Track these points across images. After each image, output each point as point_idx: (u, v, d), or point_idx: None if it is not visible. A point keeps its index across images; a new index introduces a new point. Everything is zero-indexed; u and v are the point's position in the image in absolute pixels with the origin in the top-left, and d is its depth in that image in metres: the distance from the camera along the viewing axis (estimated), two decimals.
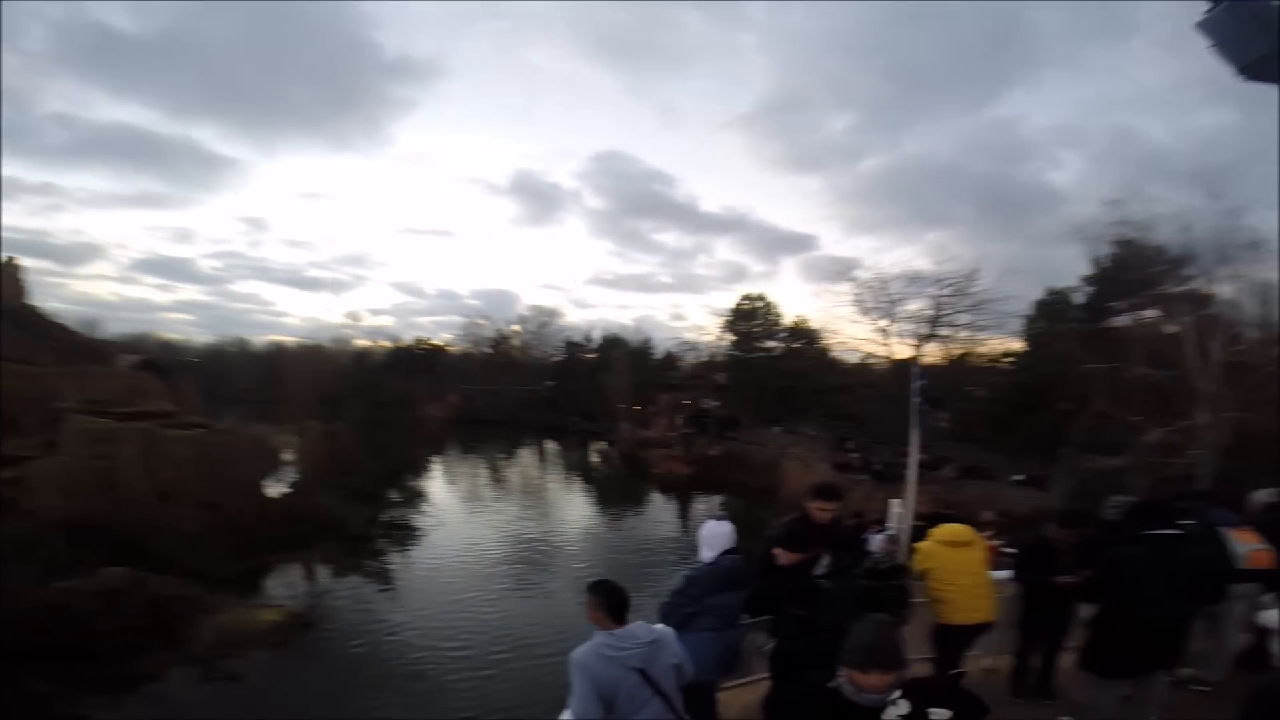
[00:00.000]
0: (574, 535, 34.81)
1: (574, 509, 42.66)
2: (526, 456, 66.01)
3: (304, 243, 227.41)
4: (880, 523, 10.98)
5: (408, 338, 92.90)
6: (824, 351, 55.28)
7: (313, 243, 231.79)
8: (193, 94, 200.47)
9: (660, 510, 42.79)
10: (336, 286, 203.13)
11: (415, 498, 41.47)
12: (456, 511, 40.56)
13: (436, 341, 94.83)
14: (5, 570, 15.52)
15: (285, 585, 23.81)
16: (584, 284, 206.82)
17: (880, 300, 41.50)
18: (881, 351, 42.78)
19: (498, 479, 53.71)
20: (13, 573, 15.52)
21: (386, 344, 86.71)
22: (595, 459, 65.77)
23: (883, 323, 41.76)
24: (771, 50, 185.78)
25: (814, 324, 57.52)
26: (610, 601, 3.07)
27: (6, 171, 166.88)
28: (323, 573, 25.81)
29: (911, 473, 10.10)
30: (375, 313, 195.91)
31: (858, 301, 42.78)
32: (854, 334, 45.19)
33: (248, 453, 38.56)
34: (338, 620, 20.03)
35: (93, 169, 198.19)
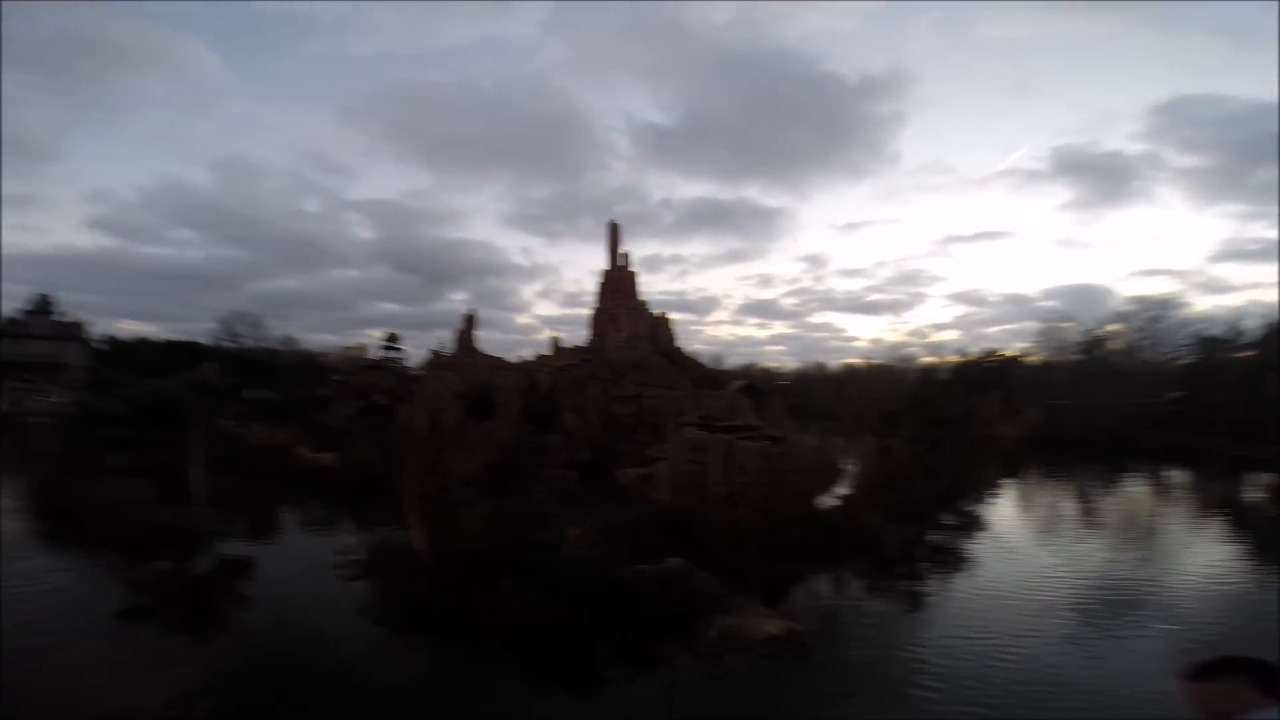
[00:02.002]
0: (1189, 590, 25.24)
1: (1199, 557, 30.90)
2: (1135, 486, 51.34)
3: (857, 270, 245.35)
4: None
5: (975, 350, 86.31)
6: None
7: (865, 269, 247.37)
8: (730, 162, 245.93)
9: None
10: (896, 307, 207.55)
11: (969, 523, 37.72)
12: (1018, 542, 35.24)
13: (1009, 352, 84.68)
14: (610, 549, 21.82)
15: (806, 595, 25.25)
16: (1209, 261, 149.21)
17: None
18: None
19: (1086, 510, 43.74)
20: (614, 552, 21.68)
21: (954, 358, 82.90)
22: (1255, 496, 45.79)
23: None
24: None
25: None
26: (1272, 679, 2.45)
27: (653, 249, 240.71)
28: (842, 589, 26.31)
29: None
30: (937, 328, 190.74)
31: None
32: None
33: (806, 465, 42.57)
34: (836, 640, 20.17)
35: (695, 237, 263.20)
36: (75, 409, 44.63)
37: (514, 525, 21.92)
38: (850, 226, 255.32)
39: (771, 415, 59.20)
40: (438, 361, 55.78)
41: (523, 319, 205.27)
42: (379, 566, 22.03)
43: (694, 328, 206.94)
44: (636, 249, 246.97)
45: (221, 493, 36.41)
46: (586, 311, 66.68)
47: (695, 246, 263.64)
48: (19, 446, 50.16)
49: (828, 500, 40.02)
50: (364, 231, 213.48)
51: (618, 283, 62.58)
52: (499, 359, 60.59)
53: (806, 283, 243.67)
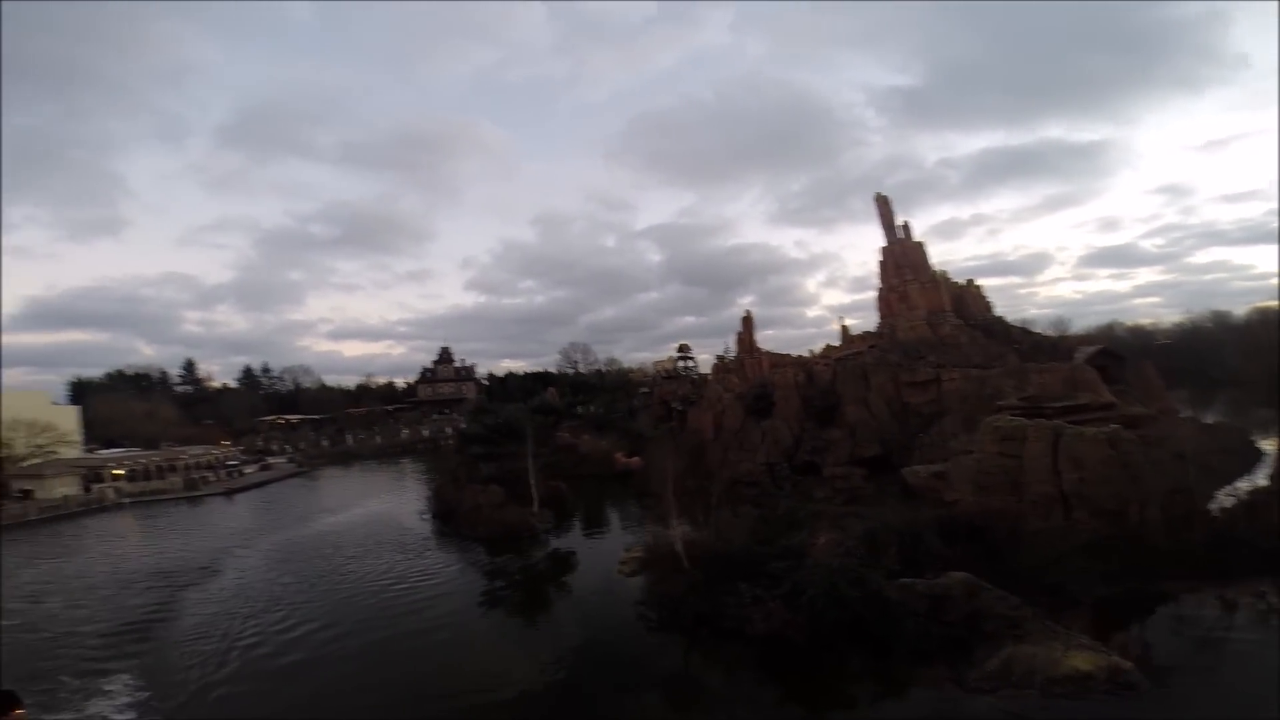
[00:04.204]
0: None
1: None
2: None
3: (1246, 193, 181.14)
4: None
5: None
6: None
7: (1258, 190, 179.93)
8: (1010, 105, 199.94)
9: None
10: None
11: None
12: None
13: None
14: (871, 558, 19.62)
15: (1170, 621, 18.91)
16: None
17: None
18: None
19: None
20: (875, 561, 19.40)
21: None
22: None
23: None
24: None
25: None
26: None
27: (946, 214, 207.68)
28: (1233, 615, 19.04)
29: None
30: None
31: None
32: None
33: (1189, 451, 32.47)
34: (1202, 678, 14.61)
35: (996, 192, 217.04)
36: (461, 433, 58.38)
37: (766, 529, 21.30)
38: (1213, 144, 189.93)
39: (1140, 386, 46.67)
40: (721, 365, 57.73)
41: (812, 312, 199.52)
42: (649, 565, 23.63)
43: (1022, 291, 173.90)
44: (925, 217, 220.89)
45: (556, 494, 43.68)
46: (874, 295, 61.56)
47: (1000, 202, 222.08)
48: (437, 464, 67.57)
49: (1224, 498, 29.62)
50: (654, 256, 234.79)
51: (901, 257, 56.39)
52: (781, 356, 59.91)
53: (1171, 217, 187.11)
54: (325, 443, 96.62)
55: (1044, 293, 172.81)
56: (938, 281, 56.91)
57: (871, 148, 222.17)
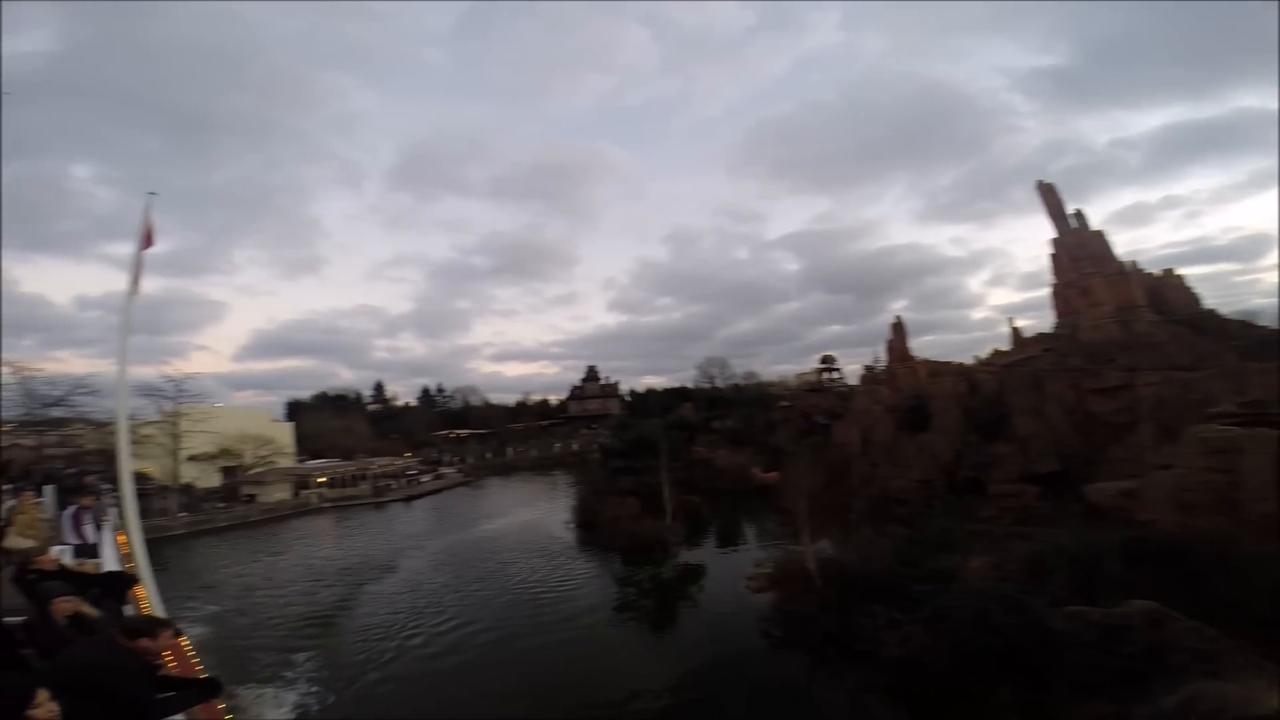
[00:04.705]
0: None
1: None
2: None
3: None
4: None
5: None
6: None
7: None
8: (1183, 77, 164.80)
9: None
10: None
11: None
12: None
13: None
14: (1033, 583, 17.48)
15: None
16: None
17: None
18: None
19: None
20: (1039, 587, 17.25)
21: None
22: None
23: None
24: None
25: None
26: None
27: (1130, 198, 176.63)
28: None
29: None
30: None
31: None
32: None
33: None
34: None
35: (1186, 171, 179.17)
36: (603, 447, 60.60)
37: (913, 549, 19.76)
38: None
39: None
40: (870, 376, 54.59)
41: (978, 313, 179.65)
42: (778, 582, 22.89)
43: (1240, 279, 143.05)
44: (1103, 204, 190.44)
45: (690, 507, 43.79)
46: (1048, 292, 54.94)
47: (1194, 181, 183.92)
48: (583, 476, 70.62)
49: None
50: (790, 265, 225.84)
51: (1077, 248, 49.86)
52: (941, 364, 55.30)
53: None
54: (488, 455, 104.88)
55: (1270, 280, 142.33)
56: (1126, 273, 49.63)
57: (1026, 133, 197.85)
